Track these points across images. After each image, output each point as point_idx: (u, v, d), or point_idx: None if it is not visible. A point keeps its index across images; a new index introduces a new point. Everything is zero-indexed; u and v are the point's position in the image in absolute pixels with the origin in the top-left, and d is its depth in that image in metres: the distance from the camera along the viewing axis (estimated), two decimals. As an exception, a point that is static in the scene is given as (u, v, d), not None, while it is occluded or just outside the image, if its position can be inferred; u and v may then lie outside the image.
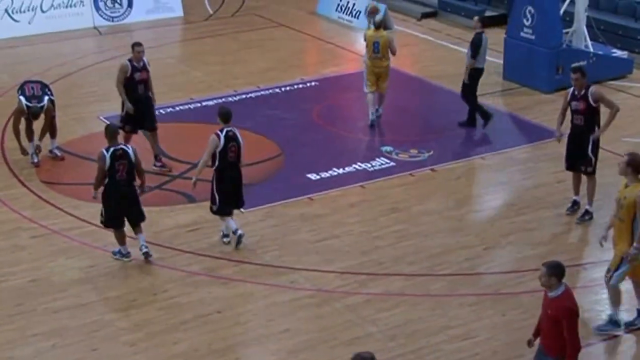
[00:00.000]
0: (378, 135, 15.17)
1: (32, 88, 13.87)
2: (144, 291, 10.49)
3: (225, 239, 11.57)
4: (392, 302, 10.28)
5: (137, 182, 11.10)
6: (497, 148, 14.45)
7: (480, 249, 11.39)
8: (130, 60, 13.38)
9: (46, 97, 13.83)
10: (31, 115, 13.79)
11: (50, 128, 14.08)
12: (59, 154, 14.24)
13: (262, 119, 15.62)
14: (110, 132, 11.00)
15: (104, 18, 21.48)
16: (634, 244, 9.35)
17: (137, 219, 11.17)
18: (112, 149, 10.84)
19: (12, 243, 11.52)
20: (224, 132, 11.25)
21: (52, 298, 10.32)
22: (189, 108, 16.15)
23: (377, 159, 14.04)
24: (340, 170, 13.65)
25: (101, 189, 10.99)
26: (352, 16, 21.44)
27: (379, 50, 15.04)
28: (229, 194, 11.43)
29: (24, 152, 13.81)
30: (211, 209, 11.55)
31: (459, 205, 12.61)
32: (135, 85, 13.36)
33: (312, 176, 13.49)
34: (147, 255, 11.07)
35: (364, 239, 11.68)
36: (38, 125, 13.96)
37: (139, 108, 13.41)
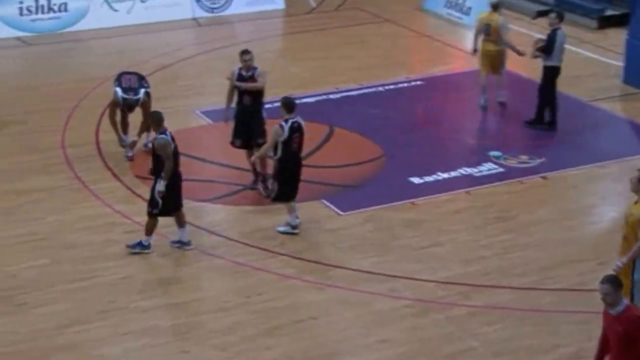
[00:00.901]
0: (486, 139, 15.00)
1: (129, 80, 14.12)
2: (237, 293, 10.59)
3: (294, 229, 11.84)
4: (496, 315, 10.12)
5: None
6: (616, 156, 14.09)
7: (594, 263, 11.12)
8: (240, 68, 12.95)
9: (142, 90, 14.06)
10: (126, 107, 14.07)
11: (146, 121, 14.33)
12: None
13: (364, 118, 15.61)
14: (158, 119, 11.24)
15: (204, 9, 21.81)
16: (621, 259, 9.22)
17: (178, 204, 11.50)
18: (169, 132, 11.14)
19: (105, 238, 11.80)
20: (288, 123, 11.49)
21: (143, 297, 10.52)
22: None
23: (484, 164, 13.86)
24: (445, 175, 13.52)
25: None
26: (462, 13, 21.25)
27: (489, 33, 15.30)
28: (290, 183, 11.71)
29: (122, 143, 14.12)
30: (272, 197, 11.90)
31: (572, 216, 12.34)
32: (241, 95, 12.91)
33: (415, 180, 13.40)
34: (189, 244, 11.48)
35: (468, 248, 11.54)
36: (135, 118, 14.25)
37: (244, 120, 12.94)
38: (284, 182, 11.75)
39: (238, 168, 13.34)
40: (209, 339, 9.76)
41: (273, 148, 11.61)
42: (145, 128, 14.33)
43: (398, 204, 12.66)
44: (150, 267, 11.18)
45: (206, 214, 12.55)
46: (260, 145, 12.62)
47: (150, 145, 14.42)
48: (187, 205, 12.56)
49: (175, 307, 10.32)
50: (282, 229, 11.91)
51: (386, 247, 11.59)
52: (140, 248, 11.41)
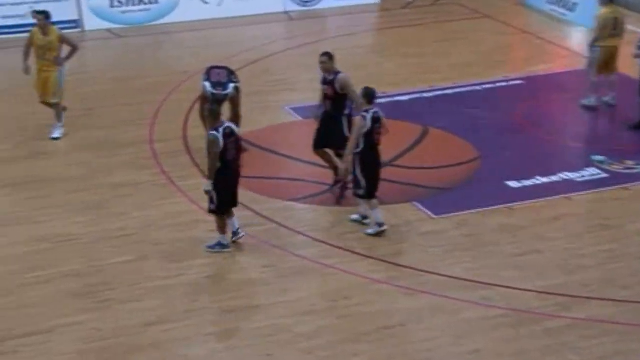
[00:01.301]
0: (588, 143, 14.71)
1: (218, 74, 14.25)
2: (324, 296, 10.61)
3: (365, 221, 11.96)
4: (598, 329, 9.91)
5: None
6: None
7: None
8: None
9: (231, 84, 14.17)
10: (215, 102, 14.20)
11: (235, 117, 14.46)
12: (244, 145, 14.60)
13: (459, 119, 15.47)
14: (213, 115, 11.35)
15: (296, 3, 21.94)
16: None
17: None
18: (221, 129, 11.19)
19: (190, 235, 11.94)
20: (370, 114, 11.57)
21: (228, 297, 10.62)
22: (380, 102, 16.15)
23: (587, 169, 13.60)
24: (544, 179, 13.31)
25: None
26: (566, 9, 20.88)
27: (616, 27, 15.27)
28: (374, 177, 11.74)
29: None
30: (356, 193, 11.89)
31: (682, 227, 12.03)
32: (324, 99, 12.73)
33: (513, 184, 13.22)
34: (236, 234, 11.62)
35: (568, 257, 11.34)
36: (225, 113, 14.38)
37: (323, 126, 12.81)
38: (369, 176, 11.77)
39: (326, 167, 13.33)
40: (294, 342, 9.79)
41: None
42: (234, 124, 14.45)
43: (493, 209, 12.51)
44: (235, 267, 11.28)
45: (293, 213, 12.60)
46: (339, 155, 12.65)
47: (238, 141, 14.59)
48: (275, 204, 12.68)
49: (261, 308, 10.39)
50: (370, 231, 11.90)
51: (480, 253, 11.46)
52: (220, 248, 11.53)
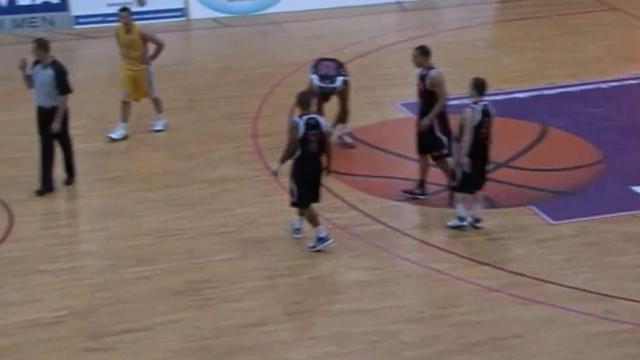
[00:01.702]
0: None
1: (327, 67, 14.31)
2: (434, 303, 10.57)
3: (465, 222, 11.92)
4: None
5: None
6: None
7: None
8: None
9: (340, 78, 14.21)
10: (322, 96, 14.29)
11: (342, 112, 14.51)
12: (349, 141, 14.67)
13: (582, 118, 15.21)
14: (302, 101, 11.45)
15: (409, -7, 21.90)
16: None
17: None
18: (305, 117, 11.30)
19: (300, 236, 12.03)
20: (479, 106, 11.52)
21: (332, 299, 10.68)
22: (497, 99, 16.00)
23: None
24: (674, 185, 13.00)
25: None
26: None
27: None
28: (478, 172, 11.71)
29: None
30: (455, 187, 11.92)
31: None
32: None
33: (639, 189, 12.94)
34: (296, 232, 11.81)
35: (699, 270, 11.05)
36: (331, 108, 14.48)
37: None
38: (472, 170, 11.73)
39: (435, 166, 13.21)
40: (400, 350, 9.77)
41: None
42: (340, 119, 14.52)
43: (618, 216, 12.26)
44: (340, 268, 11.33)
45: (403, 214, 12.59)
46: (436, 158, 12.63)
47: (345, 138, 14.65)
48: (383, 204, 12.67)
49: (366, 313, 10.40)
50: (451, 223, 11.92)
51: (602, 263, 11.25)
52: (321, 243, 11.62)
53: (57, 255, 11.69)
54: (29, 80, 13.07)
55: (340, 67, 14.38)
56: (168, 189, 13.32)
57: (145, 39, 14.79)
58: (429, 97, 12.43)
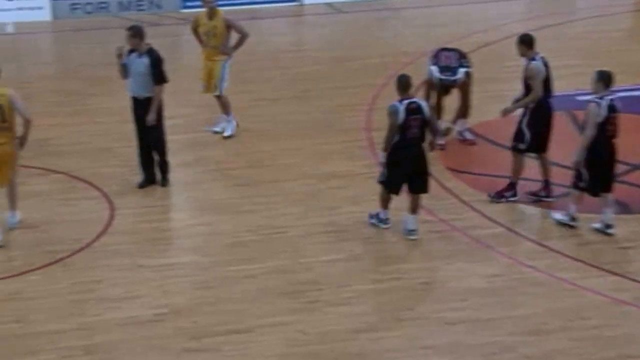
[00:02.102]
0: None
1: (448, 57, 14.23)
2: (558, 314, 10.41)
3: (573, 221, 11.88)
4: None
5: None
6: None
7: None
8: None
9: (462, 69, 14.13)
10: (442, 88, 14.22)
11: (463, 106, 14.43)
12: (469, 137, 14.57)
13: None
14: (401, 84, 11.53)
15: (539, -22, 21.62)
16: None
17: (418, 188, 11.79)
18: (406, 102, 11.41)
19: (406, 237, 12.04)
20: (605, 101, 11.47)
21: (447, 307, 10.62)
22: (634, 95, 15.67)
23: None
24: None
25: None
26: None
27: None
28: (602, 171, 11.64)
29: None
30: (576, 185, 11.83)
31: None
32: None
33: None
34: (411, 233, 11.84)
35: None
36: (451, 101, 14.39)
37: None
38: (596, 169, 11.65)
39: (564, 166, 12.98)
40: (520, 364, 9.68)
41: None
42: (461, 113, 14.45)
43: None
44: (458, 273, 11.27)
45: (526, 218, 12.49)
46: (513, 150, 12.65)
47: (466, 134, 14.56)
48: (504, 206, 12.53)
49: (484, 323, 10.31)
50: (558, 216, 11.87)
51: None
52: (376, 221, 12.01)
53: (159, 250, 11.93)
54: (124, 69, 13.19)
55: (462, 58, 14.29)
56: (274, 184, 13.45)
57: (228, 26, 14.59)
58: (527, 89, 12.42)
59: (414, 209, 11.90)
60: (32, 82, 17.22)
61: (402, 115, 11.42)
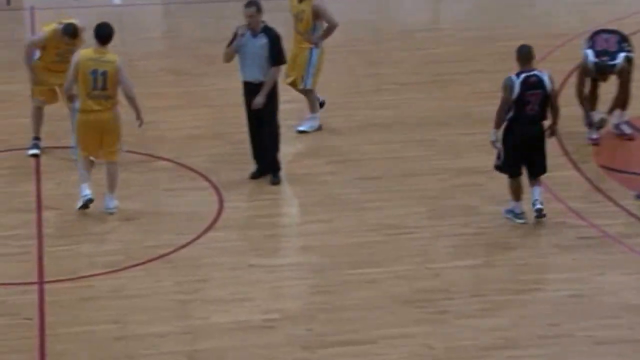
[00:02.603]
0: None
1: (606, 40, 13.99)
2: None
3: None
4: None
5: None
6: None
7: None
8: None
9: (622, 54, 13.89)
10: (598, 75, 13.99)
11: (622, 95, 14.17)
12: (628, 131, 14.33)
13: None
14: (522, 55, 11.68)
15: None
16: None
17: (537, 170, 11.99)
18: (524, 75, 11.48)
19: (554, 241, 11.91)
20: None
21: (597, 324, 10.43)
22: None
23: None
24: None
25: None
26: None
27: None
28: None
29: (588, 121, 14.12)
30: None
31: None
32: None
33: None
34: (539, 213, 11.98)
35: None
36: (607, 90, 14.14)
37: None
38: None
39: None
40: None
41: None
42: (620, 104, 14.19)
43: None
44: (611, 287, 11.08)
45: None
46: None
47: (623, 127, 14.29)
48: None
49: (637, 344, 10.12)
50: None
51: None
52: (511, 215, 12.18)
53: (272, 248, 12.06)
54: (233, 51, 13.17)
55: (623, 42, 14.04)
56: (402, 178, 13.45)
57: (317, 14, 14.43)
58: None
59: (534, 183, 12.15)
60: (138, 60, 17.50)
61: (517, 89, 11.51)
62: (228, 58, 13.39)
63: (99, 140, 12.48)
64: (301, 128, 14.75)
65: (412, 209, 12.68)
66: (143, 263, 11.56)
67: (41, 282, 11.21)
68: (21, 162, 14.01)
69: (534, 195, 12.05)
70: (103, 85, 12.22)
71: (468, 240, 11.99)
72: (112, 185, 12.61)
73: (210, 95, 16.17)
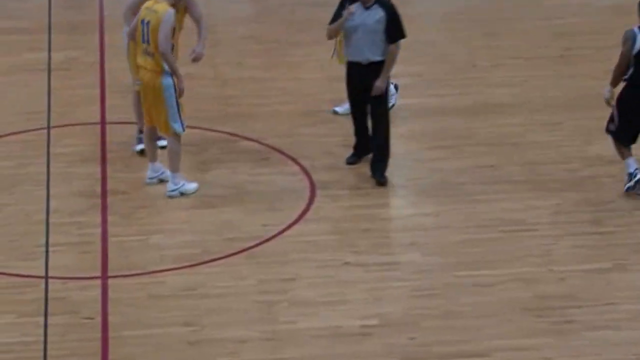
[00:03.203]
0: None
1: None
2: None
3: None
4: None
5: None
6: None
7: None
8: None
9: None
10: None
11: None
12: None
13: None
14: None
15: None
16: None
17: None
18: None
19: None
20: None
21: None
22: None
23: None
24: None
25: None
26: None
27: None
28: None
29: None
30: None
31: None
32: None
33: None
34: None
35: None
36: None
37: None
38: None
39: None
40: None
41: None
42: None
43: None
44: None
45: None
46: None
47: None
48: None
49: None
50: None
51: None
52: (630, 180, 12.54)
53: (369, 244, 11.97)
54: (340, 28, 12.97)
55: None
56: (523, 167, 13.43)
57: None
58: None
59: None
60: (220, 26, 17.54)
61: (639, 43, 11.61)
62: (333, 34, 13.33)
63: (148, 105, 12.61)
64: (338, 109, 14.71)
65: (533, 202, 12.63)
66: (222, 258, 11.61)
67: (104, 277, 11.28)
68: (84, 139, 14.17)
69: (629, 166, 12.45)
70: (147, 38, 12.32)
71: (599, 240, 11.89)
72: (169, 165, 12.75)
73: (302, 66, 16.18)
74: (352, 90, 13.26)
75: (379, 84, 12.88)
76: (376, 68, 12.89)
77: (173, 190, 12.71)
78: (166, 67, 12.30)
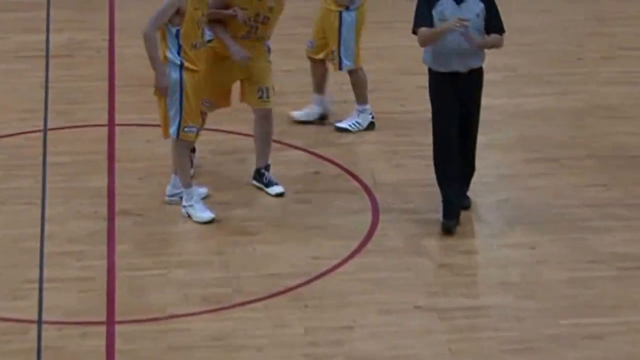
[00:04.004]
0: None
1: None
2: None
3: None
4: None
5: None
6: None
7: None
8: None
9: None
10: None
11: None
12: None
13: None
14: None
15: None
16: None
17: None
18: None
19: None
20: None
21: None
22: None
23: None
24: None
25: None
26: None
27: None
28: None
29: None
30: None
31: None
32: None
33: None
34: None
35: None
36: None
37: None
38: None
39: None
40: None
41: None
42: None
43: None
44: None
45: None
46: None
47: None
48: None
49: None
50: None
51: None
52: None
53: (448, 283, 11.84)
54: (442, 36, 12.28)
55: None
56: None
57: None
58: None
59: None
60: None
61: None
62: (430, 41, 12.39)
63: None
64: (340, 124, 14.68)
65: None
66: (260, 300, 11.45)
67: (111, 323, 11.11)
68: (88, 145, 14.13)
69: None
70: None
71: None
72: (173, 166, 12.94)
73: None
74: (445, 103, 12.50)
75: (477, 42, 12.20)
76: (477, 75, 12.41)
77: (172, 196, 12.83)
78: (174, 57, 12.28)
